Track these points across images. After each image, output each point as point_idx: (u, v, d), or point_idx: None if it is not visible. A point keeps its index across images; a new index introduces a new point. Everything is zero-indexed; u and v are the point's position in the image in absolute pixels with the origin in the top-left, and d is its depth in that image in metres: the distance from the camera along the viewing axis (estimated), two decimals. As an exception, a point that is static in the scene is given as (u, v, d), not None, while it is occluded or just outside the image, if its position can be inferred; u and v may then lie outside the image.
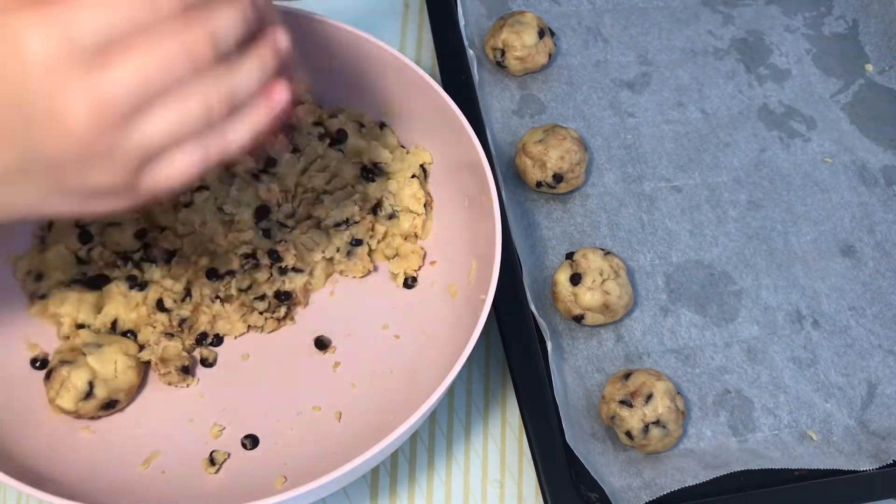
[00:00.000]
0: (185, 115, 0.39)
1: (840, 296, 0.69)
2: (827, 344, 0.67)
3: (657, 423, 0.58)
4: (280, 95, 0.42)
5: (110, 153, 0.38)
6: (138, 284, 0.59)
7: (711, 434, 0.62)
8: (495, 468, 0.63)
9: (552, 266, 0.67)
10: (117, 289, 0.59)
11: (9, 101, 0.37)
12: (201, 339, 0.60)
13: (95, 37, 0.36)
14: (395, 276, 0.64)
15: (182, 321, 0.60)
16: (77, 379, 0.55)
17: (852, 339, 0.67)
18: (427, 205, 0.65)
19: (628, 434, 0.59)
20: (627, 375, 0.60)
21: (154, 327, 0.59)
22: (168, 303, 0.59)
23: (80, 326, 0.59)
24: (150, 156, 0.39)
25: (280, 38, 0.43)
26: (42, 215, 0.42)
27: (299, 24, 0.62)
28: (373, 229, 0.64)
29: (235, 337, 0.62)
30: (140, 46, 0.37)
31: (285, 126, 0.63)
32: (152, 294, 0.59)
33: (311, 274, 0.63)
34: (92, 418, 0.57)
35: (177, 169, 0.40)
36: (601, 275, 0.62)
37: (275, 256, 0.61)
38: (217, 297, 0.60)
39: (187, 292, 0.60)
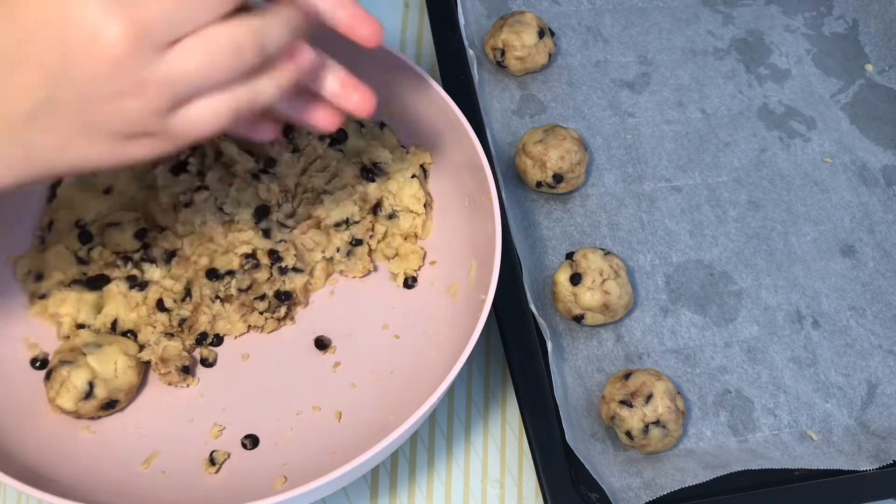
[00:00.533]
0: (216, 54, 0.39)
1: (840, 296, 0.69)
2: (827, 344, 0.67)
3: (657, 423, 0.58)
4: (306, 56, 0.43)
5: (141, 84, 0.38)
6: (138, 284, 0.59)
7: (711, 434, 0.62)
8: (495, 468, 0.63)
9: (552, 266, 0.67)
10: (117, 289, 0.59)
11: (48, 20, 0.37)
12: (201, 339, 0.60)
13: (169, 31, 0.38)
14: (395, 276, 0.64)
15: (182, 321, 0.60)
16: (77, 379, 0.55)
17: (852, 339, 0.67)
18: (427, 205, 0.65)
19: (628, 434, 0.59)
20: (627, 375, 0.60)
21: (154, 327, 0.59)
22: (168, 303, 0.59)
23: (80, 326, 0.59)
24: (181, 95, 0.39)
25: (309, 3, 0.44)
26: (68, 169, 0.42)
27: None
28: (373, 229, 0.64)
29: (235, 337, 0.62)
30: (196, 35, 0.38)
31: (285, 126, 0.63)
32: (152, 294, 0.59)
33: (311, 274, 0.63)
34: (92, 418, 0.57)
35: (207, 114, 0.40)
36: (601, 275, 0.62)
37: (275, 256, 0.61)
38: (217, 297, 0.60)
39: (187, 292, 0.60)
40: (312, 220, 0.63)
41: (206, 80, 0.40)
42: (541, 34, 0.74)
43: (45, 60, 0.38)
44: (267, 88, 0.42)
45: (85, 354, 0.56)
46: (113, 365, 0.56)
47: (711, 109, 0.77)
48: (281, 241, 0.61)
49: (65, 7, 0.37)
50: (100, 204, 0.62)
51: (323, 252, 0.63)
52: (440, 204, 0.66)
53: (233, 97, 0.41)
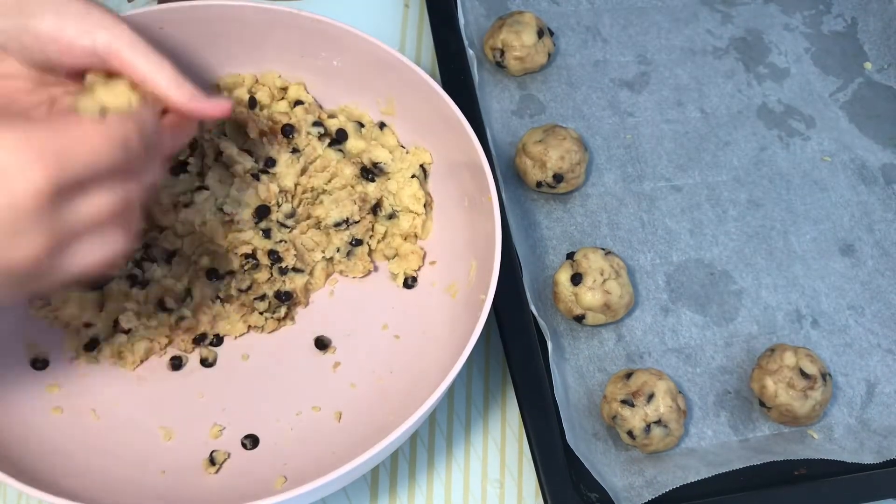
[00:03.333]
0: (106, 205, 0.41)
1: (839, 295, 0.69)
2: (826, 343, 0.67)
3: (659, 422, 0.58)
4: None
5: (40, 228, 0.38)
6: (139, 283, 0.59)
7: (713, 433, 0.62)
8: (495, 468, 0.63)
9: (553, 266, 0.67)
10: (118, 288, 0.59)
11: None
12: (201, 340, 0.60)
13: (77, 183, 0.39)
14: (395, 276, 0.64)
15: (181, 319, 0.59)
16: (86, 102, 0.47)
17: (851, 339, 0.67)
18: (427, 205, 0.65)
19: (630, 434, 0.59)
20: (629, 375, 0.60)
21: (156, 328, 0.59)
22: (169, 303, 0.59)
23: (88, 326, 0.59)
24: (71, 238, 0.40)
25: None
26: None
27: (300, 24, 0.62)
28: (373, 229, 0.64)
29: (235, 337, 0.62)
30: (94, 186, 0.40)
31: (284, 126, 0.63)
32: (153, 293, 0.59)
33: (311, 274, 0.63)
34: None
35: (92, 257, 0.42)
36: (602, 274, 0.62)
37: (275, 256, 0.61)
38: (217, 297, 0.60)
39: (188, 292, 0.60)
40: (312, 220, 0.63)
41: (94, 228, 0.41)
42: (540, 34, 0.74)
43: None
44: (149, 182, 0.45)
45: (93, 87, 0.49)
46: (126, 98, 0.49)
47: (711, 109, 0.77)
48: (281, 241, 0.61)
49: None
50: (99, 204, 0.62)
51: (323, 252, 0.63)
52: (440, 204, 0.66)
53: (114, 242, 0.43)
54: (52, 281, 0.41)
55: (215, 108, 0.49)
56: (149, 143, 0.44)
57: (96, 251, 0.42)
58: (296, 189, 0.63)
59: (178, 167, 0.62)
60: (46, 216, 0.38)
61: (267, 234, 0.61)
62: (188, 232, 0.61)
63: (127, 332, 0.59)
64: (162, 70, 0.48)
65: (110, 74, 0.49)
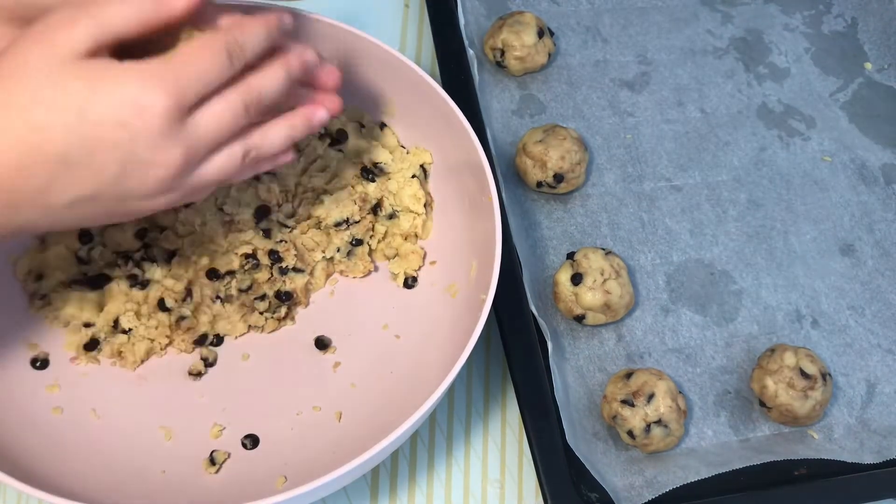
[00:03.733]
0: (227, 111, 0.45)
1: (839, 295, 0.69)
2: (826, 343, 0.67)
3: (659, 422, 0.58)
4: (319, 116, 0.50)
5: (171, 156, 0.43)
6: (139, 283, 0.59)
7: (713, 434, 0.62)
8: (495, 468, 0.63)
9: (553, 266, 0.67)
10: (118, 287, 0.59)
11: (119, 145, 0.42)
12: (202, 340, 0.60)
13: (197, 95, 0.43)
14: (395, 276, 0.64)
15: (181, 318, 0.59)
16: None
17: (851, 339, 0.67)
18: (427, 205, 0.65)
19: (630, 433, 0.59)
20: (629, 375, 0.60)
21: (156, 328, 0.59)
22: (169, 302, 0.59)
23: (88, 326, 0.59)
24: (202, 157, 0.45)
25: (306, 54, 0.49)
26: (76, 227, 0.46)
27: (300, 24, 0.62)
28: (373, 229, 0.64)
29: (236, 337, 0.62)
30: (214, 97, 0.44)
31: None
32: (153, 293, 0.59)
33: (311, 274, 0.63)
34: None
35: (216, 165, 0.45)
36: (602, 274, 0.62)
37: (275, 256, 0.61)
38: (217, 297, 0.60)
39: (188, 292, 0.60)
40: (312, 220, 0.63)
41: (222, 135, 0.45)
42: (540, 34, 0.74)
43: (102, 171, 0.42)
44: (273, 138, 0.48)
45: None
46: None
47: (711, 109, 0.77)
48: (281, 241, 0.61)
49: (141, 133, 0.41)
50: (100, 204, 0.62)
51: (323, 252, 0.63)
52: (440, 204, 0.66)
53: (242, 147, 0.46)
54: (194, 186, 0.45)
55: None
56: (255, 49, 0.46)
57: (224, 158, 0.45)
58: (296, 189, 0.63)
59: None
60: (176, 130, 0.42)
61: (267, 234, 0.61)
62: (188, 232, 0.61)
63: (127, 332, 0.59)
64: None
65: None
